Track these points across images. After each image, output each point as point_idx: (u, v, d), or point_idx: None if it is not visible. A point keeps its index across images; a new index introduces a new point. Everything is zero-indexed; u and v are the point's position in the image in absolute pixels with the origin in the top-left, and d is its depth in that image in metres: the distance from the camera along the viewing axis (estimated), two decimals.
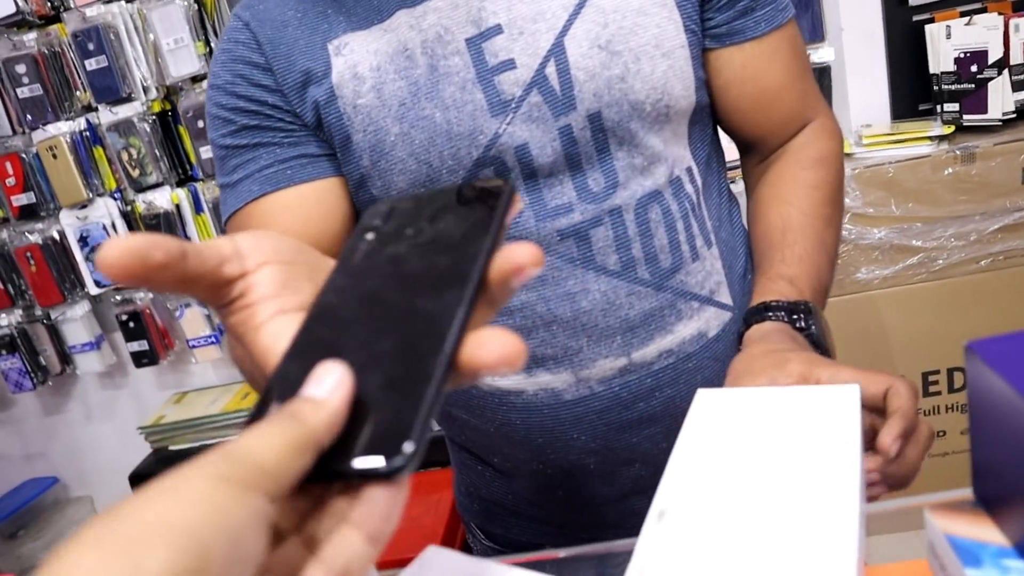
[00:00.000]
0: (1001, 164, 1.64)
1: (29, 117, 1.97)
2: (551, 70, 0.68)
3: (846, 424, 0.42)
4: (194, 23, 1.88)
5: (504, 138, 0.69)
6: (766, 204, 0.80)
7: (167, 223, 2.01)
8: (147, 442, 2.14)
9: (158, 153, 1.97)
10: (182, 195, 2.01)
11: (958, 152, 1.65)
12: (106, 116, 1.97)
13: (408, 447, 0.27)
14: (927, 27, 1.79)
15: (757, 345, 0.65)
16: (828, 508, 0.36)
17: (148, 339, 2.14)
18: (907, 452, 0.54)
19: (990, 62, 1.71)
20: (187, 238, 2.02)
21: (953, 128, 1.75)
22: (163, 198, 2.01)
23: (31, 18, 1.92)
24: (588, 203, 0.71)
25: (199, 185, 2.01)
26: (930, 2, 1.83)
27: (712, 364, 0.78)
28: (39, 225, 2.09)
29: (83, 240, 2.06)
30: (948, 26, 1.75)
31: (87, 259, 2.08)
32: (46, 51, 1.94)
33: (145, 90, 1.94)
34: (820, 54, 1.88)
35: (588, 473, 0.80)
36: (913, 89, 1.89)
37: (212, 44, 1.90)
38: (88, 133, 1.99)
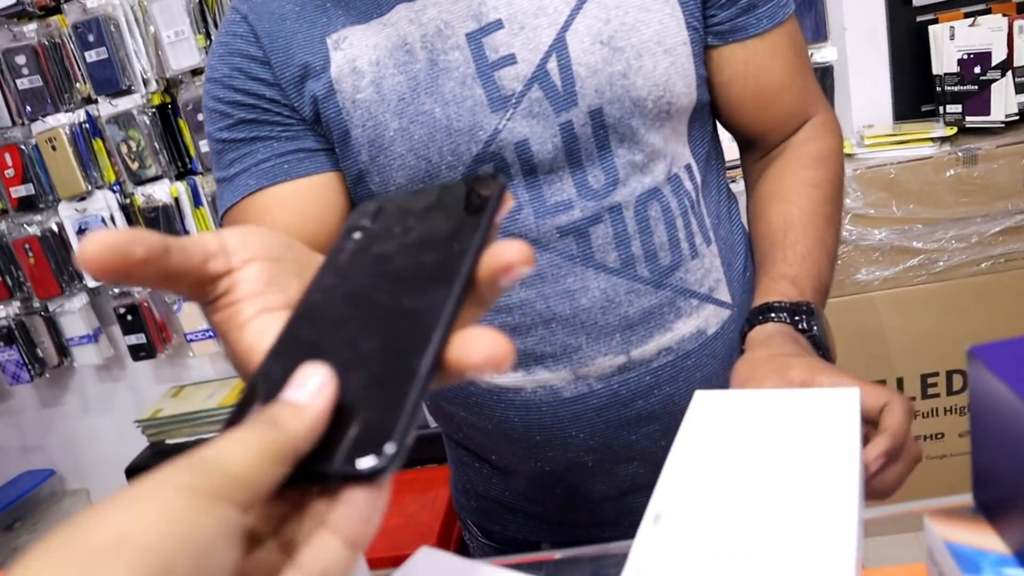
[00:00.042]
0: (1003, 166, 1.63)
1: (28, 108, 1.97)
2: (552, 65, 0.68)
3: (846, 427, 0.41)
4: (195, 16, 1.87)
5: (504, 134, 0.69)
6: (767, 201, 0.80)
7: (166, 216, 2.01)
8: (144, 435, 2.14)
9: (157, 146, 1.96)
10: (181, 188, 2.01)
11: (960, 154, 1.65)
12: (106, 108, 1.96)
13: (390, 448, 0.26)
14: (931, 28, 1.78)
15: (760, 348, 0.65)
16: (827, 511, 0.35)
17: (146, 332, 2.13)
18: (890, 470, 0.55)
19: (994, 64, 1.71)
20: (186, 232, 2.02)
21: (956, 130, 1.74)
22: (162, 191, 2.01)
23: (31, 9, 1.92)
24: (588, 200, 0.71)
25: (198, 179, 2.01)
26: (934, 3, 1.82)
27: (711, 362, 0.78)
28: (38, 217, 2.09)
29: (82, 232, 2.06)
30: (952, 27, 1.74)
31: None
32: (46, 42, 1.94)
33: (145, 83, 1.93)
34: (823, 54, 1.88)
35: (586, 471, 0.80)
36: (916, 90, 1.89)
37: (213, 37, 1.90)
38: (87, 125, 1.99)
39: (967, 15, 1.77)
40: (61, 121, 1.98)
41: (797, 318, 0.68)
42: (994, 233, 1.65)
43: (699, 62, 0.73)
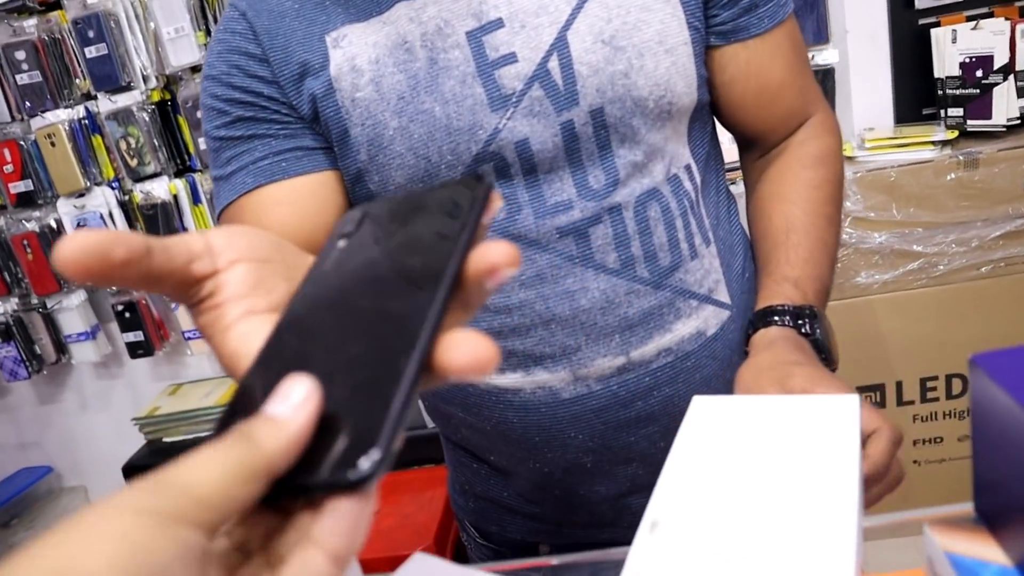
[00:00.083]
0: (1004, 170, 1.63)
1: (28, 104, 1.96)
2: (554, 64, 0.68)
3: (845, 433, 0.41)
4: (195, 12, 1.87)
5: (504, 133, 0.68)
6: (768, 202, 0.80)
7: (164, 213, 2.00)
8: (141, 433, 2.14)
9: (157, 143, 1.96)
10: (180, 185, 2.01)
11: (961, 157, 1.64)
12: (105, 104, 1.96)
13: (375, 454, 0.25)
14: (933, 31, 1.78)
15: (764, 353, 0.66)
16: (826, 517, 0.35)
17: (144, 330, 2.13)
18: (869, 491, 0.57)
19: (996, 67, 1.71)
20: (184, 229, 2.01)
21: (957, 133, 1.74)
22: (161, 188, 2.00)
23: (31, 4, 1.91)
24: (588, 200, 0.71)
25: (197, 176, 2.00)
26: (936, 6, 1.82)
27: (710, 363, 0.77)
28: (36, 213, 2.08)
29: (80, 229, 2.05)
30: (954, 30, 1.74)
31: None
32: (46, 38, 1.93)
33: (145, 79, 1.93)
34: (824, 56, 1.87)
35: (585, 472, 0.79)
36: (917, 93, 1.88)
37: (213, 33, 1.89)
38: (87, 121, 1.98)
39: (969, 18, 1.76)
40: (60, 117, 1.97)
41: (800, 322, 0.69)
42: (995, 237, 1.65)
43: (700, 62, 0.73)
